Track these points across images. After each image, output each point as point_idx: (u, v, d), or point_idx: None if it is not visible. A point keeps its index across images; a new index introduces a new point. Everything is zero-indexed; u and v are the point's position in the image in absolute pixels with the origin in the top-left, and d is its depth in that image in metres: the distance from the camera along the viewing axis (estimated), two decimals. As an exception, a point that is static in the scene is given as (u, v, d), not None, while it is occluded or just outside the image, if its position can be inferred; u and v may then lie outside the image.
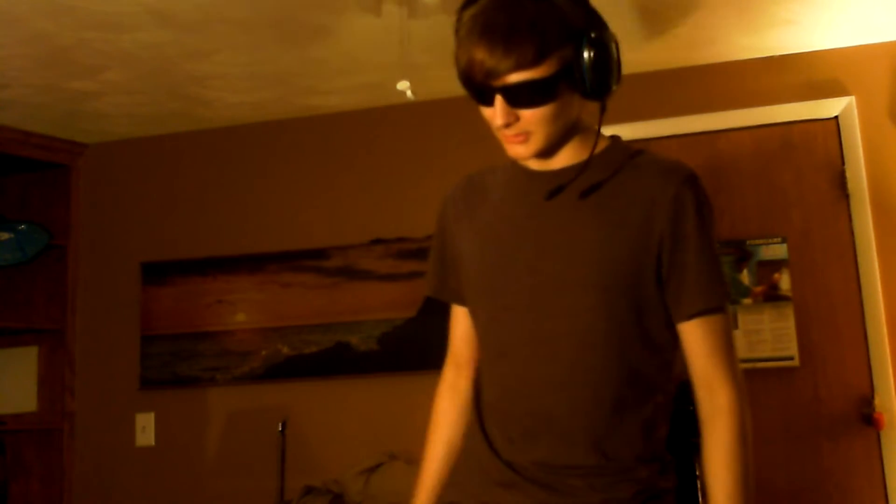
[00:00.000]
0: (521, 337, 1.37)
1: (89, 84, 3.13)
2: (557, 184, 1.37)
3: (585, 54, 1.28)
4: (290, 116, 3.59)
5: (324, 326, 3.42)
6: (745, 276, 3.11)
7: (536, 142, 1.33)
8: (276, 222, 3.56)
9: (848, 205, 3.07)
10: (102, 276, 3.73)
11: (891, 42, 3.09)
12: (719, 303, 1.36)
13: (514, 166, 1.45)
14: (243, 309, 3.53)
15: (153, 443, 3.56)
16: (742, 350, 3.06)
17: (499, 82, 1.26)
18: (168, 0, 2.51)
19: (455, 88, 1.38)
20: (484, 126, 1.38)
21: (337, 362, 3.39)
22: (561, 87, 1.28)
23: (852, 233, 3.05)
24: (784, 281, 3.08)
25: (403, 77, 2.52)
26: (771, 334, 3.06)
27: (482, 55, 1.25)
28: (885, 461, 2.93)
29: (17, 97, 3.22)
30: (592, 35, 1.28)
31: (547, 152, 1.37)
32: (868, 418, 2.94)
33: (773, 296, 3.08)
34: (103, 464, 3.60)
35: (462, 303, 1.53)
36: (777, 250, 3.10)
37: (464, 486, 1.46)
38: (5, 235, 3.62)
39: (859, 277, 3.02)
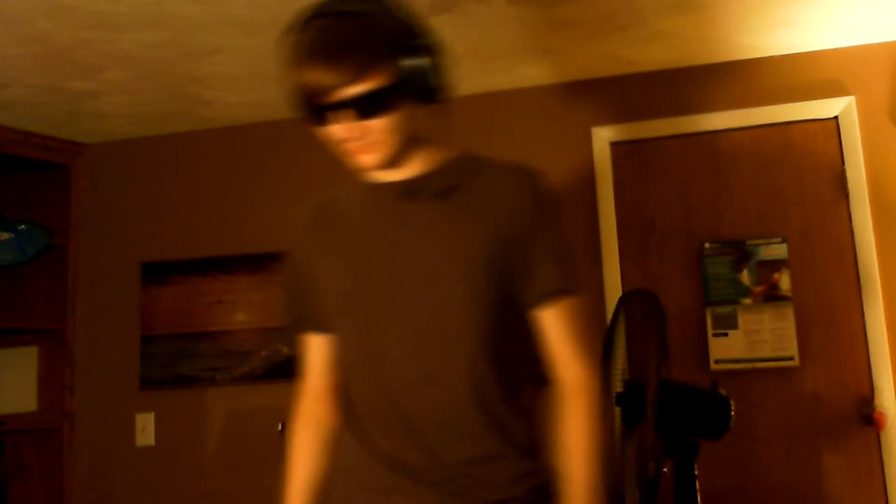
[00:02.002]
0: (395, 340, 1.41)
1: (89, 84, 3.13)
2: (413, 189, 1.44)
3: (416, 62, 1.37)
4: (290, 116, 3.57)
5: (324, 326, 3.41)
6: (745, 276, 3.11)
7: (383, 151, 1.41)
8: (276, 222, 3.53)
9: (848, 205, 3.07)
10: (102, 276, 3.73)
11: (891, 42, 3.09)
12: (570, 284, 1.45)
13: (362, 185, 1.52)
14: (243, 309, 3.53)
15: (153, 443, 3.56)
16: (742, 350, 3.07)
17: (339, 97, 1.34)
18: (168, 0, 2.51)
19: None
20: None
21: (337, 362, 3.39)
22: (400, 95, 1.37)
23: (852, 233, 3.05)
24: (784, 281, 3.08)
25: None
26: (771, 334, 3.06)
27: (320, 74, 1.33)
28: (885, 461, 2.92)
29: (17, 97, 3.22)
30: (419, 43, 1.38)
31: (393, 162, 1.44)
32: (868, 418, 2.94)
33: (773, 296, 3.08)
34: (103, 464, 3.60)
35: (322, 330, 1.57)
36: (777, 250, 3.10)
37: None
38: (5, 235, 3.62)
39: (859, 277, 3.02)
